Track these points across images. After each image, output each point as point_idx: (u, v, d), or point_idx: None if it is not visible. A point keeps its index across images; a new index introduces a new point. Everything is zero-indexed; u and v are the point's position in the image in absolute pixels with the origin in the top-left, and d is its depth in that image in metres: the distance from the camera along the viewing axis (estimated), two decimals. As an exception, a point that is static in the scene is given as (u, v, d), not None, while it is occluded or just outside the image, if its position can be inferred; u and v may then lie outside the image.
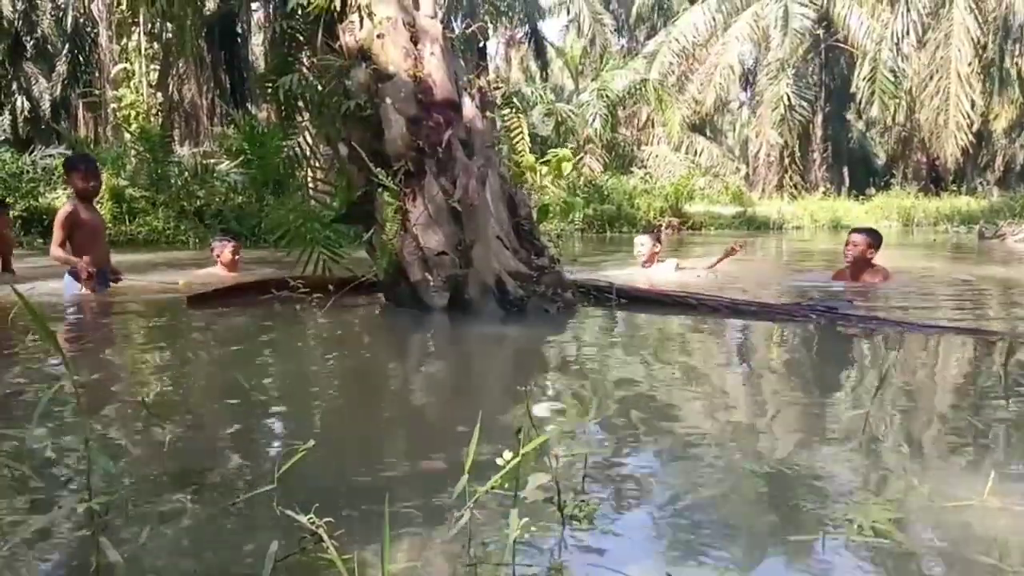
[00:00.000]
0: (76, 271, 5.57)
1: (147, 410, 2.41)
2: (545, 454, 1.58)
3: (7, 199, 7.02)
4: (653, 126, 25.23)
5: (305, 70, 5.71)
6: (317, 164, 6.44)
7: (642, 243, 6.94)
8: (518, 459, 1.44)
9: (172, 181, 12.70)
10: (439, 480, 1.91)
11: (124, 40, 19.01)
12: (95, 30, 20.99)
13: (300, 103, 5.88)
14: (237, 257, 6.96)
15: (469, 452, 1.49)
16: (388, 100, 4.96)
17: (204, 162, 13.41)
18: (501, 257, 4.68)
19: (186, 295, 5.17)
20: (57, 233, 5.58)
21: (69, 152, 14.47)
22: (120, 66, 18.59)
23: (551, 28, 69.05)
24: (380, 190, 5.03)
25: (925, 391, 3.00)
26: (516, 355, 3.98)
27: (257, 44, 24.39)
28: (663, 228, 7.10)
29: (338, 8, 5.22)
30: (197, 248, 11.40)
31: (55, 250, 5.61)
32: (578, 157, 20.74)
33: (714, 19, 25.24)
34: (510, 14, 29.89)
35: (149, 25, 18.55)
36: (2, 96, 23.28)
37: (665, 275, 6.60)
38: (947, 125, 24.38)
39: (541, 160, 19.09)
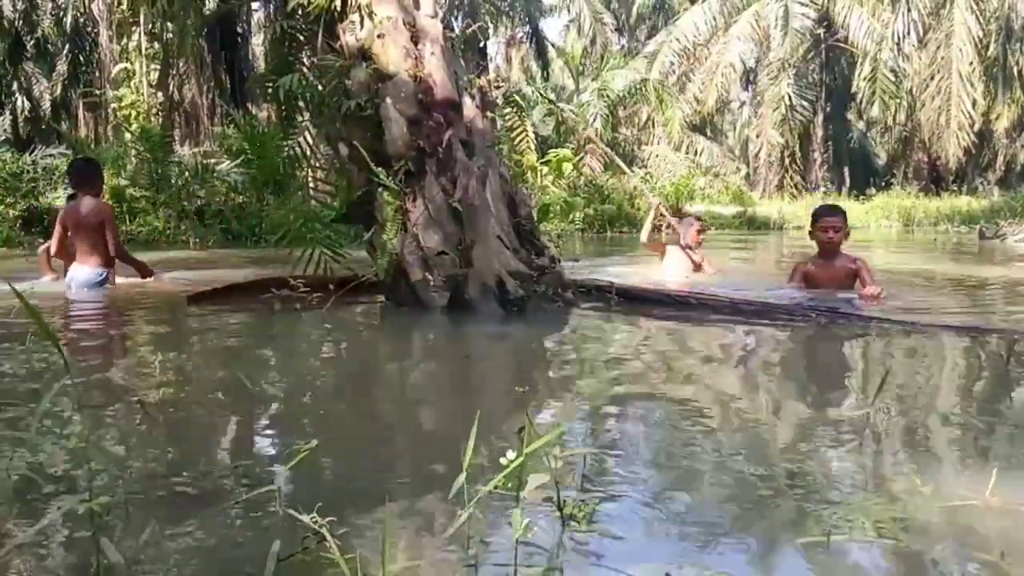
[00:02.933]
0: (112, 274, 5.93)
1: (144, 410, 2.41)
2: (545, 454, 1.58)
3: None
4: (653, 126, 25.23)
5: (305, 70, 5.71)
6: (317, 164, 6.44)
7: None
8: (521, 459, 1.44)
9: (172, 181, 12.70)
10: (440, 479, 1.91)
11: (124, 40, 19.02)
12: (95, 30, 20.99)
13: (300, 103, 5.89)
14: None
15: (467, 452, 1.49)
16: (388, 100, 4.96)
17: (204, 162, 13.40)
18: (501, 257, 4.67)
19: (187, 295, 5.17)
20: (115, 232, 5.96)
21: (69, 152, 14.49)
22: (120, 66, 18.59)
23: (552, 28, 69.18)
24: (380, 190, 5.04)
25: (926, 390, 2.99)
26: (516, 355, 3.98)
27: (257, 44, 24.39)
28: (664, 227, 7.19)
29: (338, 8, 5.23)
30: (197, 248, 11.41)
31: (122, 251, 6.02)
32: (579, 157, 20.76)
33: (715, 19, 25.26)
34: (511, 14, 29.91)
35: (149, 25, 18.55)
36: (2, 96, 23.28)
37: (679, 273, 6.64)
38: (948, 125, 24.39)
39: (542, 160, 19.12)
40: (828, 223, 5.37)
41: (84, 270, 5.83)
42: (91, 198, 5.92)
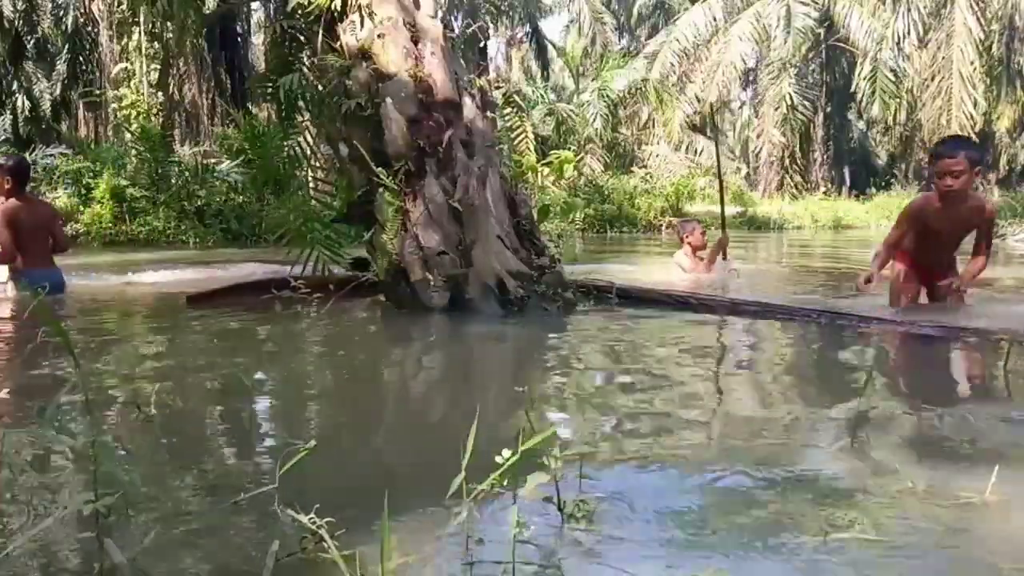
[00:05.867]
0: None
1: (143, 411, 2.41)
2: (545, 453, 1.58)
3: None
4: (654, 126, 25.22)
5: (305, 70, 5.72)
6: (317, 164, 6.44)
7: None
8: (515, 457, 1.45)
9: (172, 181, 12.71)
10: (439, 479, 1.91)
11: (124, 40, 19.05)
12: (95, 30, 21.00)
13: (300, 103, 5.89)
14: None
15: (466, 451, 1.49)
16: (388, 100, 4.96)
17: (204, 162, 13.41)
18: (501, 257, 4.68)
19: (186, 295, 5.17)
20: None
21: (69, 152, 14.49)
22: (120, 66, 18.62)
23: (552, 27, 69.02)
24: (380, 190, 5.04)
25: (925, 390, 3.00)
26: (516, 355, 3.99)
27: (257, 44, 24.40)
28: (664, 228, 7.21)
29: (338, 8, 5.23)
30: (197, 247, 11.41)
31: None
32: (579, 157, 20.77)
33: (715, 19, 25.22)
34: (511, 14, 29.90)
35: (149, 25, 18.56)
36: (2, 96, 23.26)
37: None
38: (950, 125, 24.33)
39: (543, 162, 19.13)
40: (946, 167, 4.00)
41: (56, 272, 5.47)
42: (33, 197, 5.67)
